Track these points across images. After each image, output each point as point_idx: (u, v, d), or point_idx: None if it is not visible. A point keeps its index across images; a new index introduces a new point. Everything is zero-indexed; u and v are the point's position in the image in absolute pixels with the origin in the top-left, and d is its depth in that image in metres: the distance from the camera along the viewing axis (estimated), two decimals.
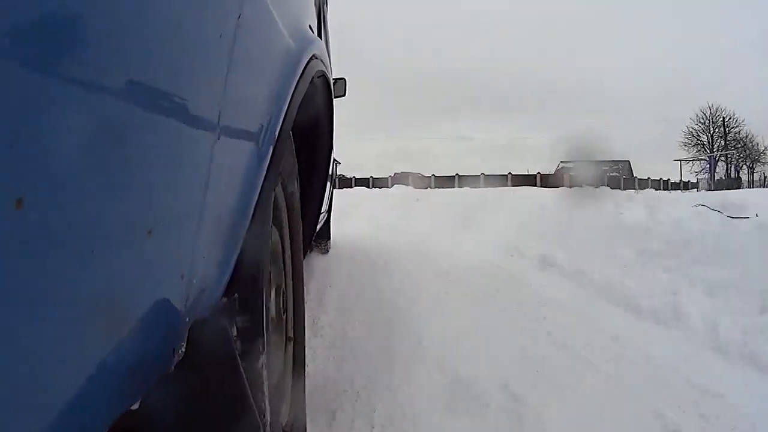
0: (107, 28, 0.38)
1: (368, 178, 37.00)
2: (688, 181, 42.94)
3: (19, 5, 0.29)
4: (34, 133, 0.31)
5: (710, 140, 41.73)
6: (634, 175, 40.37)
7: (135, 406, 0.50)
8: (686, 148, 42.08)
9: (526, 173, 38.68)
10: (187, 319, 0.57)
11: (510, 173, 37.68)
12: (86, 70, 0.35)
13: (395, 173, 37.19)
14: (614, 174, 39.54)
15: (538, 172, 38.10)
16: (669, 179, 44.24)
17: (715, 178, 37.15)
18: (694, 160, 40.49)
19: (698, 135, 42.15)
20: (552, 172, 39.19)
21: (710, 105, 42.19)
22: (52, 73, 0.32)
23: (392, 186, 17.83)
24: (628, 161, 42.97)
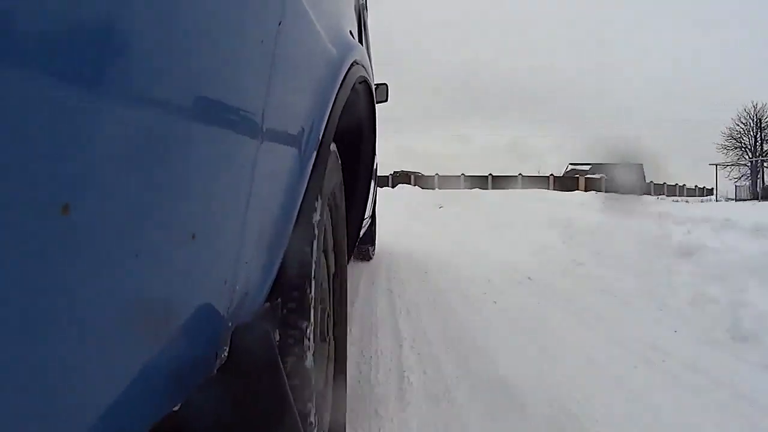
0: (151, 37, 0.38)
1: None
2: (704, 187, 39.89)
3: (66, 15, 0.30)
4: (80, 140, 0.32)
5: (753, 143, 36.92)
6: (647, 180, 38.51)
7: (176, 408, 0.51)
8: (725, 151, 37.51)
9: (538, 174, 37.00)
10: (230, 324, 0.58)
11: (520, 174, 35.99)
12: (131, 77, 0.36)
13: (395, 172, 35.58)
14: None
15: (551, 174, 36.30)
16: (684, 185, 41.99)
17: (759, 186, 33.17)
18: (733, 165, 35.66)
19: (740, 137, 37.26)
20: (561, 174, 37.75)
21: (755, 104, 37.83)
22: (99, 82, 0.33)
23: (394, 186, 16.97)
24: (641, 165, 40.70)
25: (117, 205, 0.36)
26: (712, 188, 36.56)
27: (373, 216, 4.25)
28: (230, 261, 0.56)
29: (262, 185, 0.62)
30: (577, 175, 36.63)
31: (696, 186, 41.34)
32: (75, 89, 0.31)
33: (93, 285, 0.34)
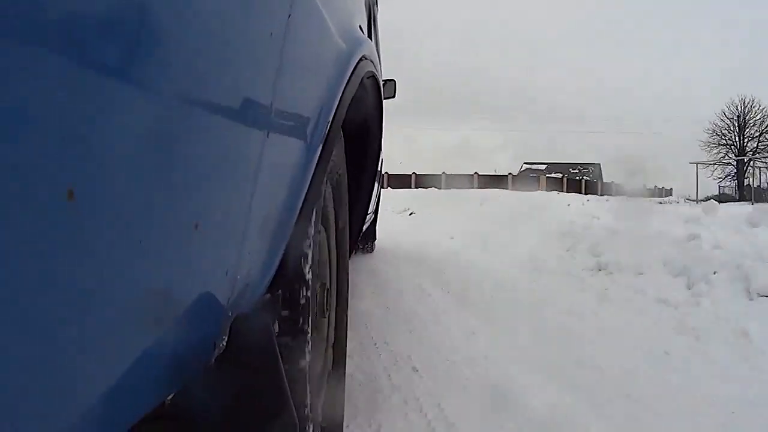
0: (161, 29, 0.39)
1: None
2: (662, 187, 37.69)
3: (74, 4, 0.30)
4: (86, 127, 0.32)
5: (739, 140, 33.61)
6: (604, 180, 36.98)
7: (168, 397, 0.52)
8: (708, 148, 34.26)
9: (494, 173, 35.10)
10: (230, 314, 0.58)
11: (476, 173, 33.92)
12: (139, 67, 0.36)
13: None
14: (586, 178, 36.91)
15: (510, 173, 34.68)
16: (644, 185, 40.00)
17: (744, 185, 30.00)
18: (716, 163, 32.54)
19: (722, 133, 33.89)
20: (516, 173, 36.35)
21: (742, 97, 34.27)
22: (105, 70, 0.33)
23: None
24: (599, 164, 40.03)
25: (122, 192, 0.36)
26: (671, 189, 35.14)
27: (376, 212, 4.25)
28: (232, 251, 0.57)
29: (267, 177, 0.62)
30: (539, 174, 35.38)
31: (655, 186, 38.86)
32: (81, 78, 0.31)
33: (96, 271, 0.35)
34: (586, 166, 40.57)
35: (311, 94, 0.80)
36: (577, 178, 36.36)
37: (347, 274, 1.54)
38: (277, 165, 0.67)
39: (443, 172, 33.85)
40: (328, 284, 1.29)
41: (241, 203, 0.57)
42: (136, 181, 0.38)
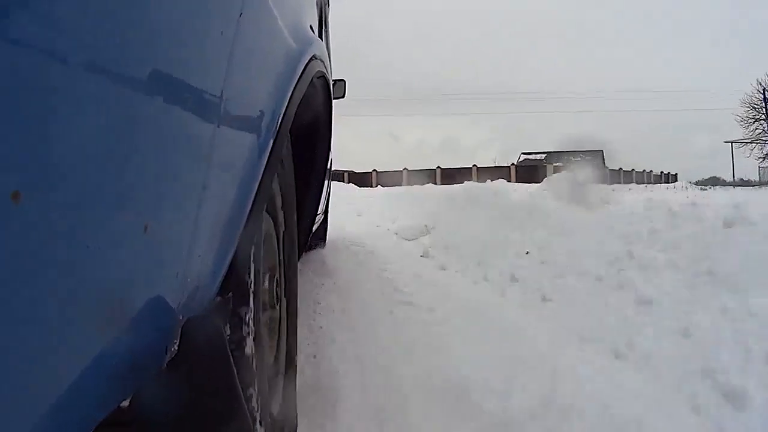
0: (107, 24, 0.38)
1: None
2: (668, 173, 36.98)
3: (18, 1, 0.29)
4: (31, 128, 0.31)
5: None
6: (607, 166, 34.67)
7: (125, 403, 0.50)
8: (744, 124, 29.24)
9: (494, 165, 32.93)
10: (181, 317, 0.57)
11: (475, 165, 31.62)
12: (85, 64, 0.35)
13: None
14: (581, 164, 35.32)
15: (512, 163, 32.43)
16: (651, 171, 38.25)
17: None
18: (753, 142, 27.74)
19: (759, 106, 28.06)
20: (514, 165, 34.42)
21: None
22: (47, 69, 0.32)
23: None
24: (602, 151, 37.68)
25: (68, 194, 0.35)
26: (676, 174, 33.40)
27: (326, 212, 4.24)
28: (183, 253, 0.56)
29: (216, 177, 0.62)
30: (544, 164, 33.28)
31: (662, 172, 37.90)
32: (24, 76, 0.30)
33: (41, 275, 0.34)
34: (588, 154, 36.87)
35: (261, 94, 0.79)
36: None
37: (296, 275, 1.53)
38: (227, 164, 0.66)
39: (438, 167, 31.92)
40: (277, 272, 1.29)
41: (190, 204, 0.56)
42: (84, 183, 0.37)
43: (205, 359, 0.60)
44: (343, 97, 3.88)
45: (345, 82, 3.86)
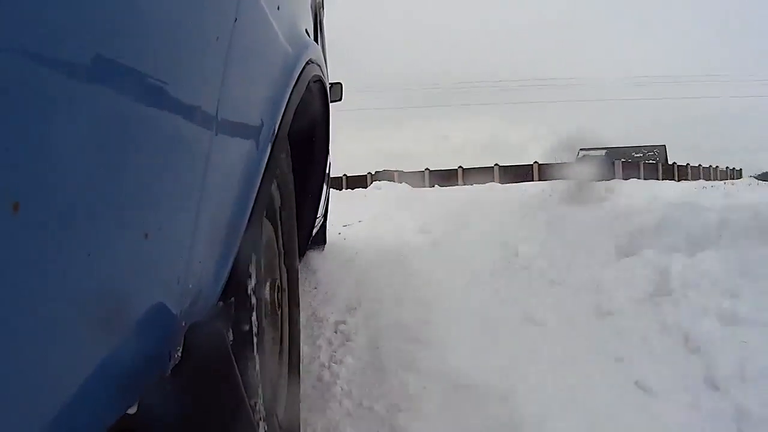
0: (103, 30, 0.38)
1: (340, 177, 27.83)
2: (732, 168, 33.52)
3: (15, 5, 0.29)
4: (30, 136, 0.31)
5: None
6: (669, 162, 31.52)
7: (132, 410, 0.50)
8: None
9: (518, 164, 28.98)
10: (183, 323, 0.57)
11: (497, 164, 28.44)
12: (83, 71, 0.35)
13: (376, 171, 29.60)
14: (650, 161, 31.00)
15: (535, 161, 28.71)
16: (717, 167, 33.68)
17: None
18: None
19: None
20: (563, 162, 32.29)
21: None
22: (45, 78, 0.32)
23: (373, 186, 13.09)
24: (664, 146, 34.59)
25: (69, 203, 0.35)
26: (740, 169, 31.36)
27: (325, 216, 4.24)
28: (183, 260, 0.56)
29: (215, 183, 0.62)
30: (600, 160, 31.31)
31: (726, 167, 34.26)
32: (22, 84, 0.30)
33: (44, 284, 0.34)
34: (651, 149, 34.59)
35: (258, 99, 0.79)
36: (642, 161, 30.71)
37: (297, 279, 1.53)
38: (225, 170, 0.66)
39: (459, 167, 28.69)
40: (278, 279, 1.29)
41: (190, 211, 0.56)
42: (82, 191, 0.37)
43: (208, 365, 0.60)
44: (340, 100, 3.88)
45: (342, 85, 3.86)
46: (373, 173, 28.72)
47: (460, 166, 28.96)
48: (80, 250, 0.37)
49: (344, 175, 28.18)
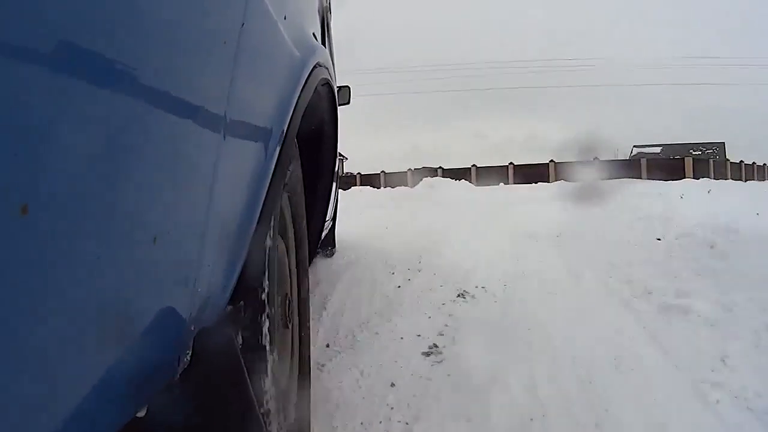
0: (112, 35, 0.38)
1: (378, 174, 28.08)
2: None
3: (22, 7, 0.29)
4: (38, 140, 0.31)
5: None
6: (728, 159, 29.04)
7: (141, 414, 0.50)
8: None
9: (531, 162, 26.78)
10: (192, 328, 0.57)
11: (552, 161, 25.90)
12: (92, 76, 0.35)
13: (414, 168, 27.75)
14: (705, 158, 28.29)
15: (551, 160, 25.97)
16: None
17: None
18: None
19: None
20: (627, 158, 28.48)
21: None
22: (58, 80, 0.32)
23: (423, 184, 11.76)
24: (723, 143, 31.77)
25: (77, 206, 0.35)
26: None
27: (334, 218, 4.24)
28: (192, 264, 0.56)
29: (224, 187, 0.62)
30: (655, 157, 27.98)
31: None
32: (31, 87, 0.30)
33: (53, 289, 0.34)
34: (709, 146, 32.03)
35: (266, 103, 0.79)
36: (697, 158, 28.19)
37: (307, 282, 1.52)
38: (233, 174, 0.66)
39: (510, 163, 26.62)
40: (288, 292, 1.28)
41: (198, 215, 0.56)
42: (92, 196, 0.37)
43: (218, 369, 0.60)
44: (348, 103, 3.89)
45: (349, 88, 3.87)
46: (386, 172, 28.41)
47: (473, 165, 27.46)
48: (89, 254, 0.37)
49: (358, 173, 28.37)
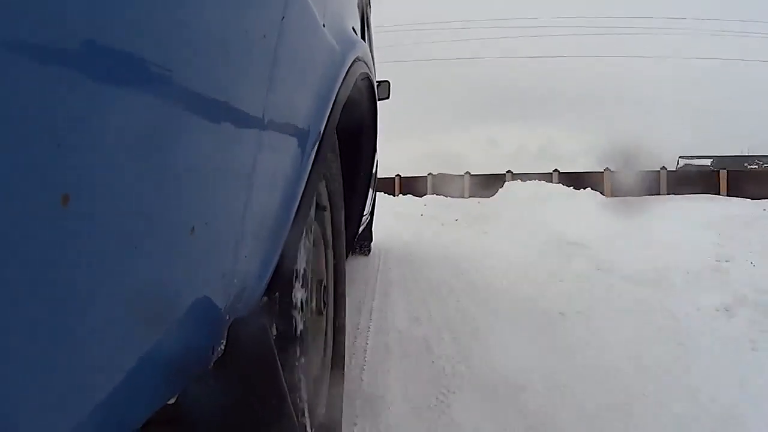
0: (153, 32, 0.38)
1: (393, 178, 25.56)
2: None
3: (70, 8, 0.30)
4: (82, 132, 0.32)
5: None
6: None
7: (172, 400, 0.51)
8: None
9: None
10: (227, 318, 0.58)
11: (607, 169, 23.18)
12: (136, 71, 0.36)
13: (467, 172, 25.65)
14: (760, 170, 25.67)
15: (607, 168, 22.95)
16: None
17: None
18: None
19: None
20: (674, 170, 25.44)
21: None
22: (97, 75, 0.33)
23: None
24: None
25: (117, 197, 0.36)
26: None
27: (372, 213, 4.25)
28: (229, 255, 0.56)
29: (262, 179, 0.62)
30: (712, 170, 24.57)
31: None
32: (77, 83, 0.31)
33: (92, 277, 0.35)
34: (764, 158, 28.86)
35: (305, 96, 0.80)
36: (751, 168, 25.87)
37: (344, 275, 1.53)
38: (272, 167, 0.66)
39: (556, 170, 24.13)
40: (325, 284, 1.29)
41: (237, 206, 0.57)
42: (131, 187, 0.38)
43: (251, 360, 0.61)
44: (388, 98, 3.88)
45: (389, 83, 3.86)
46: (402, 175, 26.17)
47: (508, 171, 24.52)
48: (127, 243, 0.38)
49: (397, 175, 25.78)
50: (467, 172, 25.41)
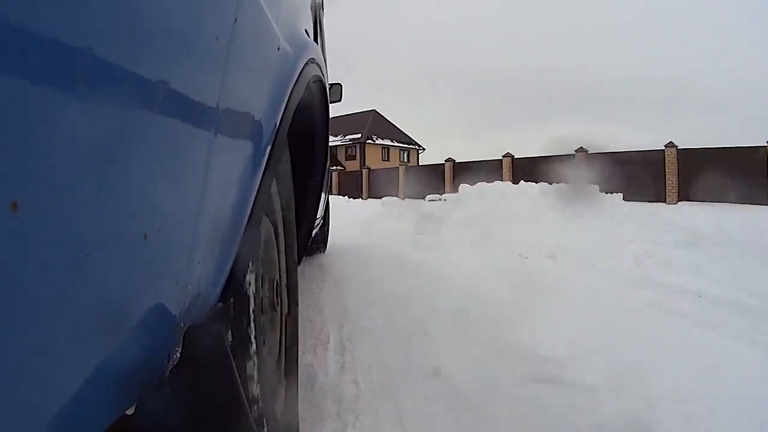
0: (104, 30, 0.37)
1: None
2: None
3: (13, 6, 0.29)
4: (29, 136, 0.31)
5: None
6: None
7: (130, 411, 0.50)
8: None
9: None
10: (182, 324, 0.57)
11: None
12: (83, 71, 0.35)
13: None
14: None
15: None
16: None
17: None
18: None
19: None
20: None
21: None
22: (49, 78, 0.32)
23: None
24: None
25: (67, 202, 0.35)
26: None
27: (325, 216, 4.23)
28: (182, 261, 0.55)
29: (215, 183, 0.61)
30: None
31: None
32: (21, 84, 0.30)
33: (41, 285, 0.33)
34: None
35: (258, 99, 0.79)
36: None
37: (296, 280, 1.52)
38: (225, 170, 0.66)
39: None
40: (277, 290, 1.28)
41: (189, 211, 0.56)
42: (82, 192, 0.37)
43: (207, 366, 0.60)
44: (339, 100, 3.89)
45: (341, 86, 3.87)
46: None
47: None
48: (79, 250, 0.37)
49: (448, 159, 21.79)
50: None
